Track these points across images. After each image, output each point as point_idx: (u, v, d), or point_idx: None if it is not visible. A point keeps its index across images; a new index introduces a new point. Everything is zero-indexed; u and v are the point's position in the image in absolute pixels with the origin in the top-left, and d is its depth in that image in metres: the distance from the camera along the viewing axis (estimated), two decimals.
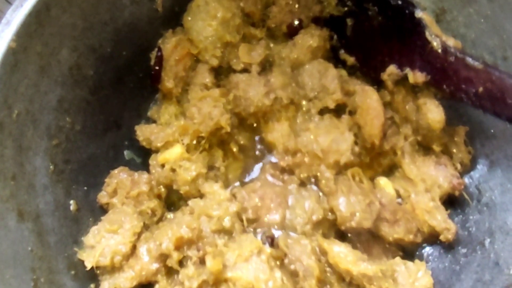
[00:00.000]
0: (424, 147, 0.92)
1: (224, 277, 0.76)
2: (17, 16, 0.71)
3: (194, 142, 0.89)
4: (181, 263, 0.79)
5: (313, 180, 0.89)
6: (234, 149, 0.93)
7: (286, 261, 0.81)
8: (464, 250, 0.86)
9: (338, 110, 0.92)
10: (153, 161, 0.89)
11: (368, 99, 0.87)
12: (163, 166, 0.88)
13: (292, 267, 0.80)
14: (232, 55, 0.94)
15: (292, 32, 0.95)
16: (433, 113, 0.86)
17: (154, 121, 0.96)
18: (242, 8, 0.93)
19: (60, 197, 0.80)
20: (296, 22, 0.95)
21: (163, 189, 0.89)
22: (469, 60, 0.77)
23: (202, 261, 0.77)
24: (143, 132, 0.90)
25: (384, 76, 0.86)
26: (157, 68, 0.91)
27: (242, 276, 0.75)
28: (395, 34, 0.85)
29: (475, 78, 0.76)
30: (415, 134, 0.90)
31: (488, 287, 0.78)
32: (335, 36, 0.95)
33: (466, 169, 0.90)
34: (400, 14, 0.83)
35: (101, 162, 0.89)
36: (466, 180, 0.90)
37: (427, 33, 0.80)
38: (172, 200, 0.92)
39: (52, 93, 0.79)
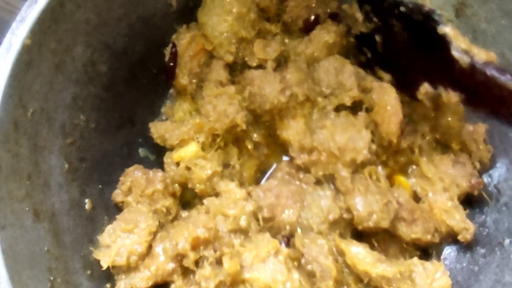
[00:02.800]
0: (442, 145, 0.91)
1: (241, 278, 0.76)
2: (31, 12, 0.70)
3: (209, 140, 0.88)
4: (197, 263, 0.78)
5: (329, 178, 0.87)
6: (249, 147, 0.92)
7: (302, 261, 0.80)
8: (483, 251, 0.85)
9: (355, 107, 0.90)
10: (167, 159, 0.89)
11: (386, 96, 0.86)
12: (178, 164, 0.87)
13: (309, 267, 0.79)
14: (247, 51, 0.92)
15: (308, 28, 0.94)
16: (452, 110, 0.85)
17: (168, 118, 0.95)
18: (257, 3, 0.91)
19: (75, 195, 0.80)
20: (313, 17, 0.93)
21: (178, 188, 0.88)
22: (501, 78, 0.70)
23: (218, 262, 0.77)
24: (158, 130, 0.89)
25: (420, 95, 0.82)
26: (171, 64, 0.90)
27: (260, 277, 0.75)
28: (423, 51, 0.81)
29: (509, 98, 0.70)
30: (433, 132, 0.89)
31: None
32: (369, 54, 0.92)
33: (485, 168, 0.88)
34: (424, 30, 0.78)
35: (115, 160, 0.88)
36: (485, 179, 0.88)
37: (452, 50, 0.74)
38: (187, 198, 0.91)
39: (66, 91, 0.78)
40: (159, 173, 0.87)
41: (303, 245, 0.81)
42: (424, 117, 0.89)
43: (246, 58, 0.92)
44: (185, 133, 0.87)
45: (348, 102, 0.89)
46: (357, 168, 0.87)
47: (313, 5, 0.93)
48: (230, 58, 0.91)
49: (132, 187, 0.85)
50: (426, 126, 0.89)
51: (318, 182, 0.88)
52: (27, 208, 0.70)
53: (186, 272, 0.80)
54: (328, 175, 0.87)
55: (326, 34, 0.92)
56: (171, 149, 0.89)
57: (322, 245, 0.80)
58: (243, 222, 0.80)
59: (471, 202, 0.88)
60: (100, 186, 0.85)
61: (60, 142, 0.78)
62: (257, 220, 0.83)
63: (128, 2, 0.84)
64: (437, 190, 0.86)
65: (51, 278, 0.71)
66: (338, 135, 0.85)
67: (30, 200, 0.71)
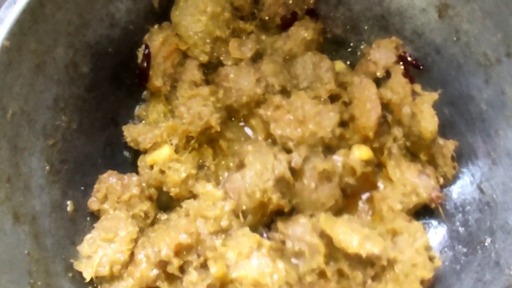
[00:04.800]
0: (411, 154, 0.92)
1: (229, 279, 0.75)
2: (10, 13, 0.70)
3: (183, 142, 0.87)
4: (181, 268, 0.77)
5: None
6: (224, 146, 0.91)
7: (289, 244, 0.80)
8: (464, 250, 0.85)
9: (332, 100, 0.91)
10: (141, 162, 0.87)
11: (367, 92, 0.87)
12: (151, 167, 0.85)
13: (296, 248, 0.79)
14: (222, 50, 0.91)
15: (285, 25, 0.94)
16: (427, 122, 0.86)
17: (142, 120, 0.93)
18: (231, 2, 0.91)
19: (57, 197, 0.79)
20: (290, 15, 0.94)
21: (154, 191, 0.87)
22: None
23: (203, 265, 0.77)
24: (131, 133, 0.88)
25: None
26: (144, 66, 0.88)
27: (247, 274, 0.74)
28: None
29: None
30: (405, 138, 0.90)
31: (488, 287, 0.78)
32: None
33: (448, 183, 0.90)
34: None
35: (98, 161, 0.88)
36: (468, 178, 0.89)
37: None
38: (164, 200, 0.89)
39: (47, 92, 0.77)
40: (134, 178, 0.85)
41: (286, 226, 0.81)
42: (399, 122, 0.89)
43: (221, 58, 0.92)
44: (158, 136, 0.85)
45: (324, 95, 0.90)
46: (315, 144, 0.86)
47: (290, 2, 0.93)
48: (205, 58, 0.90)
49: (107, 193, 0.83)
50: (399, 131, 0.89)
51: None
52: (7, 211, 0.70)
53: (171, 277, 0.79)
54: (285, 138, 0.87)
55: (304, 31, 0.92)
56: (145, 152, 0.88)
57: (304, 224, 0.80)
58: (224, 223, 0.79)
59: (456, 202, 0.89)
60: (82, 188, 0.84)
61: (41, 144, 0.77)
62: (237, 217, 0.82)
63: (110, 3, 0.84)
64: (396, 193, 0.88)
65: (32, 281, 0.70)
66: (308, 106, 0.86)
67: (10, 203, 0.70)
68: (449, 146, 0.89)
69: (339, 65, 0.96)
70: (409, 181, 0.87)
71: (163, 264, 0.77)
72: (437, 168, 0.90)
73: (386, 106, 0.89)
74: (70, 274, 0.77)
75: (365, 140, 0.89)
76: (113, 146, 0.91)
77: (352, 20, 0.97)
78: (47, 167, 0.78)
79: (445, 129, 0.91)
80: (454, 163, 0.89)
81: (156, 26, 0.89)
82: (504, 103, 0.84)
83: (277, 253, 0.80)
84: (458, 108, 0.90)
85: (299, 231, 0.80)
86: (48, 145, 0.78)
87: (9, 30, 0.69)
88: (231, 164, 0.90)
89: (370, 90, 0.87)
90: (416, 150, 0.90)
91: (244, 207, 0.82)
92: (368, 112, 0.86)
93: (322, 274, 0.79)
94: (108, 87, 0.88)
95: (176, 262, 0.76)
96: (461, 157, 0.90)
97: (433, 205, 0.88)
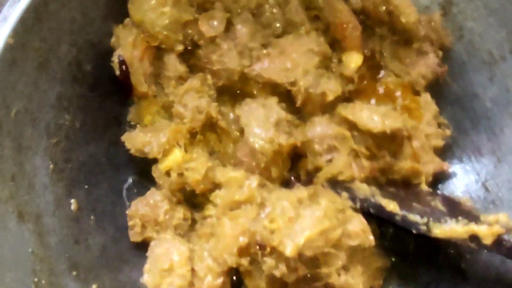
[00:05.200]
0: (403, 45, 0.91)
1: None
2: (14, 11, 0.69)
3: (189, 139, 0.85)
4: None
5: None
6: (223, 125, 0.88)
7: (318, 148, 0.82)
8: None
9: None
10: (156, 172, 0.85)
11: (338, 12, 0.87)
12: (168, 173, 0.83)
13: (325, 146, 0.82)
14: (194, 31, 0.86)
15: None
16: (406, 14, 0.86)
17: (137, 124, 0.90)
18: None
19: (61, 196, 0.78)
20: None
21: (179, 194, 0.85)
22: None
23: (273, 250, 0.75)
24: (133, 143, 0.84)
25: None
26: (124, 75, 0.84)
27: (311, 231, 0.73)
28: None
29: None
30: (391, 34, 0.90)
31: (495, 285, 0.77)
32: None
33: (448, 53, 0.90)
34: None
35: (102, 160, 0.87)
36: (473, 176, 0.89)
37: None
38: (188, 196, 0.87)
39: (51, 91, 0.77)
40: (157, 195, 0.84)
41: (305, 131, 0.83)
42: (379, 22, 0.89)
43: (195, 39, 0.87)
44: (165, 143, 0.83)
45: (303, 31, 0.88)
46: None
47: None
48: (181, 47, 0.86)
49: (143, 223, 0.83)
50: (383, 29, 0.90)
51: None
52: (11, 210, 0.70)
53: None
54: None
55: None
56: (155, 160, 0.85)
57: (321, 121, 0.83)
58: (258, 199, 0.79)
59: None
60: (86, 186, 0.84)
61: (45, 143, 0.77)
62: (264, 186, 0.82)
63: (114, 1, 0.83)
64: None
65: (36, 280, 0.70)
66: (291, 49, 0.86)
67: (14, 202, 0.70)
68: (435, 18, 0.89)
69: None
70: (411, 66, 0.89)
71: (231, 270, 0.78)
72: (433, 42, 0.90)
73: (361, 12, 0.88)
74: (74, 273, 0.77)
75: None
76: (117, 145, 0.90)
77: None
78: (51, 166, 0.77)
79: (449, 127, 0.91)
80: (446, 30, 0.89)
81: (120, 26, 0.85)
82: (509, 100, 0.84)
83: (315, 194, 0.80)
84: (463, 106, 0.90)
85: (318, 130, 0.82)
86: (52, 143, 0.78)
87: (12, 28, 0.69)
88: (237, 134, 0.88)
89: (341, 10, 0.86)
90: (408, 39, 0.90)
91: (262, 165, 0.82)
92: (349, 33, 0.86)
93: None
94: (111, 86, 0.88)
95: (245, 262, 0.75)
96: (466, 155, 0.90)
97: (441, 80, 0.90)
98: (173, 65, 0.86)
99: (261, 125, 0.82)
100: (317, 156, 0.83)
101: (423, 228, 0.76)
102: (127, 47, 0.83)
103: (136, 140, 0.84)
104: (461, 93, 0.89)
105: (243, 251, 0.76)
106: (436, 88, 0.91)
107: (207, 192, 0.84)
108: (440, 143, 0.87)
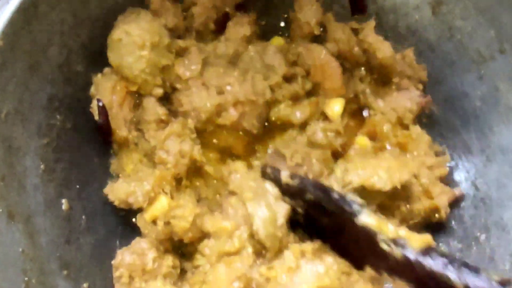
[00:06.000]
0: (383, 84, 0.93)
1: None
2: (3, 13, 0.70)
3: (174, 185, 0.82)
4: None
5: None
6: (210, 171, 0.87)
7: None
8: (459, 245, 0.86)
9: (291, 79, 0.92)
10: (141, 221, 0.81)
11: (317, 55, 0.88)
12: (154, 222, 0.80)
13: None
14: (172, 75, 0.87)
15: (220, 27, 0.92)
16: (381, 50, 0.88)
17: (119, 175, 0.88)
18: (165, 25, 0.86)
19: (52, 196, 0.79)
20: (222, 16, 0.91)
21: (167, 243, 0.82)
22: (442, 273, 0.62)
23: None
24: (117, 194, 0.81)
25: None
26: (104, 120, 0.83)
27: (308, 285, 0.72)
28: (351, 241, 0.74)
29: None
30: (370, 73, 0.92)
31: None
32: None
33: (426, 85, 0.92)
34: (343, 221, 0.73)
35: (93, 160, 0.88)
36: (463, 175, 0.89)
37: (380, 242, 0.69)
38: (177, 245, 0.84)
39: (42, 92, 0.77)
40: (143, 243, 0.80)
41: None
42: (357, 63, 0.92)
43: (173, 83, 0.87)
44: (149, 191, 0.79)
45: (280, 80, 0.88)
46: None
47: (218, 3, 0.90)
48: (160, 92, 0.86)
49: (130, 273, 0.79)
50: (361, 70, 0.92)
51: None
52: (1, 210, 0.70)
53: None
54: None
55: (241, 28, 0.90)
56: (139, 210, 0.82)
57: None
58: (249, 250, 0.77)
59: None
60: (77, 186, 0.84)
61: (35, 143, 0.77)
62: (254, 237, 0.78)
63: (105, 2, 0.84)
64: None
65: (26, 279, 0.70)
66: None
67: (4, 202, 0.70)
68: (408, 54, 0.91)
69: (278, 41, 0.94)
70: (395, 103, 0.89)
71: None
72: (411, 79, 0.91)
73: (338, 56, 0.90)
74: (65, 272, 0.77)
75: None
76: (109, 144, 0.91)
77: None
78: (42, 166, 0.78)
79: (439, 126, 0.91)
80: (422, 64, 0.91)
81: (99, 75, 0.85)
82: (498, 99, 0.84)
83: (320, 250, 0.77)
84: (452, 105, 0.90)
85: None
86: (43, 144, 0.78)
87: (2, 30, 0.69)
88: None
89: (320, 52, 0.88)
90: (386, 78, 0.92)
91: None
92: (330, 76, 0.88)
93: None
94: None
95: None
96: (456, 154, 0.90)
97: (427, 110, 0.91)
98: (152, 109, 0.85)
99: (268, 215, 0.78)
100: None
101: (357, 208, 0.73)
102: (106, 92, 0.83)
103: (120, 191, 0.81)
104: (451, 92, 0.90)
105: None
106: (428, 87, 0.92)
107: (195, 241, 0.81)
108: (444, 171, 0.86)
